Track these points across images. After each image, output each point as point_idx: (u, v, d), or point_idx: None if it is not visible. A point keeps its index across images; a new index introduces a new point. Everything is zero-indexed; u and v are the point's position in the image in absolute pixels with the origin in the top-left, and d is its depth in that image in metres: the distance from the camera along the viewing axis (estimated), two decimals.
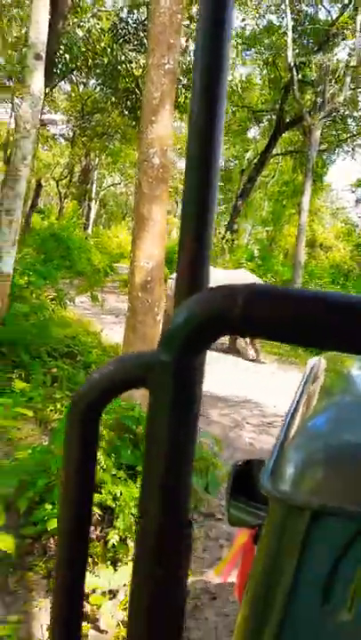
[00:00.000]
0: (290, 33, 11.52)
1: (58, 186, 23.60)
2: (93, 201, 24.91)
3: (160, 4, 3.18)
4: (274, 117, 18.80)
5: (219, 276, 9.36)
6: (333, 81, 11.51)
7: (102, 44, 10.47)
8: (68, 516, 0.50)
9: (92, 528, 3.35)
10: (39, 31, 5.06)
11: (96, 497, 3.07)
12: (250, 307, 0.42)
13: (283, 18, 15.44)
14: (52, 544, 3.49)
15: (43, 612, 2.90)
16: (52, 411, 5.21)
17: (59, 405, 5.24)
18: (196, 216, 0.52)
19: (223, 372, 7.80)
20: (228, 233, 18.48)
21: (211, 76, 0.50)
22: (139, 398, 3.92)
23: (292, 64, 11.30)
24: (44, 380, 5.89)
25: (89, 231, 25.73)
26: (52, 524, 3.32)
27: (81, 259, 16.87)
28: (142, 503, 0.46)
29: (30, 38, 5.13)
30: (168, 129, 3.55)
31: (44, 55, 5.18)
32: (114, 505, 3.07)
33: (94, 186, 25.44)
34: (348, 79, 10.95)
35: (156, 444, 0.45)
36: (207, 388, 6.95)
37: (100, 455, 3.08)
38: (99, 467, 3.17)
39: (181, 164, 27.58)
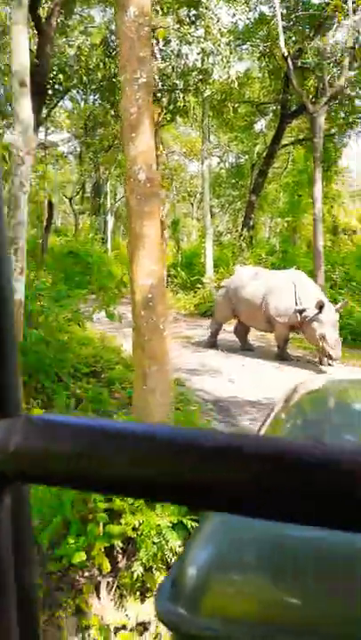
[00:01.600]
0: (280, 22, 11.30)
1: (71, 203, 23.84)
2: (109, 214, 25.08)
3: (124, 18, 3.11)
4: (279, 108, 18.53)
5: (268, 278, 9.04)
6: (332, 65, 11.23)
7: (95, 60, 10.49)
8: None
9: (118, 559, 3.28)
10: (21, 58, 5.06)
11: (115, 529, 3.00)
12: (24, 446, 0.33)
13: (274, 8, 15.21)
14: (79, 578, 3.43)
15: None
16: None
17: None
18: None
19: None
20: (245, 230, 18.26)
21: None
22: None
23: (286, 53, 11.08)
24: (67, 403, 5.87)
25: (108, 245, 25.94)
26: (78, 557, 3.26)
27: (102, 273, 16.98)
28: None
29: (13, 66, 5.14)
30: (150, 143, 3.47)
31: (28, 81, 5.17)
32: (135, 535, 3.00)
33: (108, 199, 25.62)
34: (346, 61, 10.65)
35: None
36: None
37: None
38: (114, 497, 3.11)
39: (192, 167, 27.53)
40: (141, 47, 3.17)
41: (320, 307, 7.78)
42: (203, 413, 5.69)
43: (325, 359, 7.99)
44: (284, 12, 16.01)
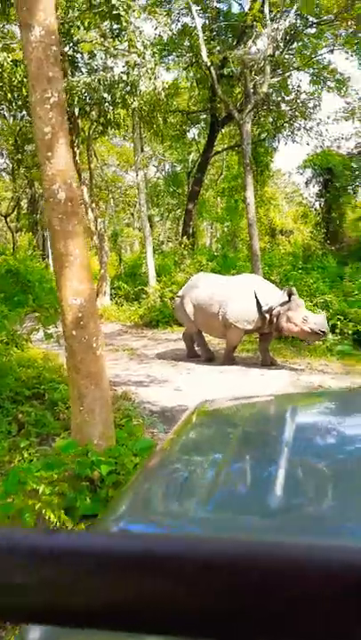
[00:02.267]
0: (200, 33, 11.54)
1: (7, 221, 23.31)
2: (47, 229, 24.58)
3: (30, 38, 3.07)
4: (209, 117, 18.87)
5: (225, 285, 8.84)
6: (254, 73, 11.54)
7: (18, 76, 10.34)
8: None
9: None
10: None
11: None
12: None
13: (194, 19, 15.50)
14: None
15: None
16: (19, 461, 5.02)
17: (26, 454, 5.05)
18: None
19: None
20: (185, 237, 18.43)
21: None
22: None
23: (209, 62, 11.29)
24: (8, 429, 5.69)
25: (50, 260, 25.49)
26: None
27: (44, 290, 16.65)
28: None
29: None
30: (68, 161, 3.43)
31: None
32: None
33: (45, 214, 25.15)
34: (267, 68, 10.97)
35: None
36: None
37: (53, 516, 2.92)
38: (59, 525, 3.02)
39: (130, 178, 27.53)
40: (50, 67, 3.14)
41: (290, 294, 7.85)
42: (148, 427, 5.66)
43: (312, 341, 8.21)
44: (206, 22, 16.39)
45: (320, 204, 21.31)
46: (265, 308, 8.02)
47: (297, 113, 17.64)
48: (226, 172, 27.81)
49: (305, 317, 7.73)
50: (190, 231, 19.08)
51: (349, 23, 13.68)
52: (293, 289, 8.12)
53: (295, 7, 11.48)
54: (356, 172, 19.33)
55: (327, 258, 15.57)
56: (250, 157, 11.52)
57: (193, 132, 23.52)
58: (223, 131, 20.24)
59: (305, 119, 18.17)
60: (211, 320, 8.65)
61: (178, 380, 8.09)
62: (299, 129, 19.04)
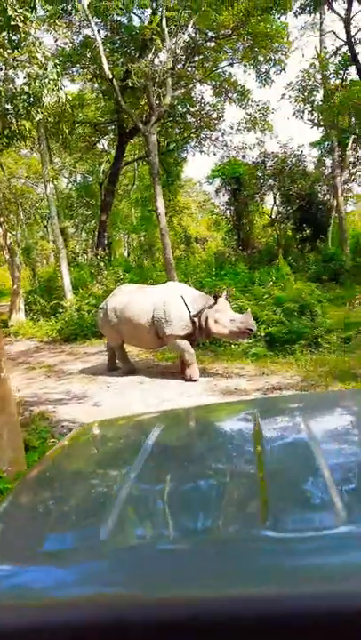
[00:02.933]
0: (100, 46, 11.55)
1: None
2: None
3: None
4: (117, 128, 18.90)
5: (151, 295, 8.57)
6: (157, 85, 11.71)
7: None
8: None
9: None
10: None
11: None
12: None
13: (98, 31, 15.52)
14: None
15: None
16: None
17: None
18: None
19: None
20: (100, 249, 18.28)
21: None
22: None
23: (110, 75, 11.33)
24: None
25: None
26: None
27: None
28: None
29: None
30: None
31: None
32: None
33: None
34: (169, 81, 11.17)
35: None
36: None
37: None
38: None
39: (41, 190, 26.89)
40: None
41: (216, 297, 7.92)
42: None
43: (243, 339, 8.23)
44: (108, 34, 16.44)
45: (230, 212, 21.99)
46: (193, 312, 8.02)
47: (202, 124, 18.10)
48: (138, 183, 27.99)
49: (232, 318, 7.81)
50: (105, 242, 18.96)
51: (245, 38, 14.26)
52: (220, 292, 8.27)
53: (192, 22, 11.83)
54: (261, 181, 20.12)
55: (239, 264, 16.07)
56: (158, 168, 11.65)
57: (103, 144, 23.48)
58: (133, 141, 20.37)
59: (210, 130, 18.70)
60: (138, 331, 8.47)
61: (97, 396, 7.97)
62: (205, 139, 19.56)
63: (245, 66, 16.18)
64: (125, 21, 16.14)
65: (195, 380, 8.02)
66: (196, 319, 8.01)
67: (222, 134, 19.07)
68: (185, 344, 8.18)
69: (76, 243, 32.19)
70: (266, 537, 0.81)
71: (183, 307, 8.11)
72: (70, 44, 15.28)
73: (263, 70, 16.31)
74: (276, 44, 14.82)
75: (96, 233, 26.22)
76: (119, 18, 15.83)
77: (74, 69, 17.63)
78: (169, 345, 8.44)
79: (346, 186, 21.51)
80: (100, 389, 8.34)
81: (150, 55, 11.99)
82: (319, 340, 9.30)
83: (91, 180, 26.51)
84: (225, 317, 7.81)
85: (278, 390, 7.11)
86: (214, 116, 17.91)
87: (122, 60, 15.66)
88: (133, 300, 8.61)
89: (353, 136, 18.11)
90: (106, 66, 11.13)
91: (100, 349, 12.13)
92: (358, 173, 21.80)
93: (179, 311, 8.10)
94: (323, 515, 0.88)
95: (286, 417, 1.53)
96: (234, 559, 0.76)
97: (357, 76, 13.85)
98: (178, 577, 0.74)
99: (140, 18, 16.07)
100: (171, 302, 8.18)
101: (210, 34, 15.10)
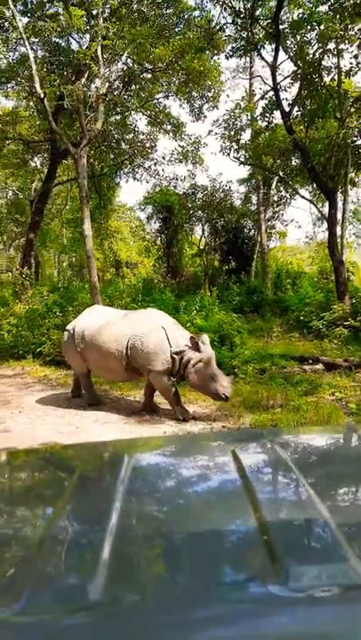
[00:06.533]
0: (33, 65, 11.50)
1: None
2: None
3: None
4: (49, 147, 18.74)
5: (128, 320, 7.53)
6: (90, 110, 11.78)
7: None
8: None
9: None
10: None
11: None
12: None
13: (35, 50, 15.48)
14: None
15: None
16: None
17: None
18: None
19: None
20: (26, 267, 17.82)
21: None
22: None
23: (42, 94, 11.28)
24: None
25: None
26: None
27: None
28: None
29: None
30: None
31: None
32: None
33: None
34: (101, 107, 11.29)
35: None
36: None
37: None
38: None
39: None
40: None
41: (196, 344, 6.91)
42: None
43: (218, 398, 6.97)
44: (46, 55, 16.42)
45: (161, 240, 22.28)
46: (174, 348, 7.02)
47: (136, 151, 18.37)
48: (71, 203, 27.77)
49: (214, 375, 6.84)
50: (32, 261, 18.53)
51: (180, 73, 14.74)
52: (205, 337, 7.25)
53: (127, 52, 12.09)
54: (191, 211, 20.61)
55: (166, 291, 16.25)
56: (86, 191, 11.63)
57: (36, 162, 23.18)
58: (67, 162, 20.26)
59: (143, 158, 19.01)
60: (107, 361, 7.47)
61: (8, 421, 7.65)
62: (139, 167, 19.84)
63: (180, 99, 16.69)
64: (64, 44, 16.21)
65: (185, 420, 7.06)
66: (176, 357, 7.02)
67: (155, 163, 19.45)
68: (165, 381, 7.17)
69: (3, 260, 31.29)
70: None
71: (164, 339, 7.11)
72: (5, 60, 15.10)
73: (197, 105, 16.90)
74: (210, 82, 15.43)
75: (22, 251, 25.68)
76: (58, 40, 15.88)
77: (8, 85, 17.42)
78: (154, 381, 7.32)
79: (270, 223, 22.50)
80: (12, 414, 8.02)
81: (84, 80, 12.06)
82: (236, 370, 9.51)
83: (21, 196, 26.00)
84: (207, 371, 6.84)
85: (193, 420, 7.14)
86: (148, 145, 18.26)
87: (58, 81, 15.66)
88: (106, 326, 7.59)
89: (277, 177, 19.03)
90: (38, 85, 11.08)
91: (17, 372, 11.73)
92: (281, 212, 22.89)
93: (159, 344, 7.10)
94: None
95: (266, 451, 1.48)
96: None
97: (281, 120, 14.64)
98: None
99: (79, 43, 16.20)
100: (151, 333, 7.20)
101: (147, 65, 15.47)
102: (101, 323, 7.69)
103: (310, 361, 10.55)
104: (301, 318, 14.87)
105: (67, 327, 8.42)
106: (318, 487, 1.12)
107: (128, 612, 0.72)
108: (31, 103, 18.19)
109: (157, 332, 7.18)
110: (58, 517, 1.04)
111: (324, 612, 0.69)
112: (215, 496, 1.17)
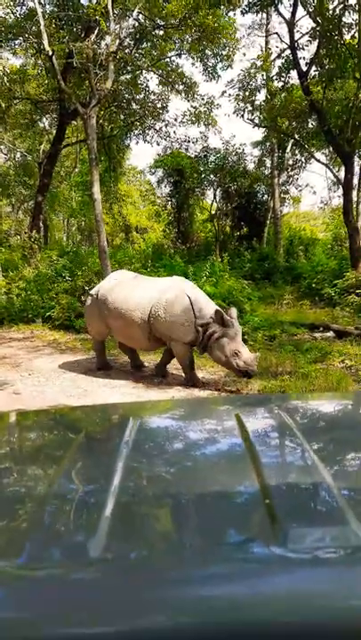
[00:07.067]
0: (41, 20, 11.11)
1: None
2: None
3: None
4: (58, 107, 18.31)
5: (152, 287, 7.33)
6: (100, 68, 11.42)
7: None
8: None
9: None
10: None
11: None
12: None
13: (44, 5, 14.96)
14: None
15: None
16: None
17: None
18: None
19: None
20: (35, 231, 17.70)
21: None
22: None
23: (51, 52, 10.93)
24: None
25: None
26: None
27: None
28: None
29: None
30: None
31: None
32: None
33: None
34: (111, 65, 10.92)
35: None
36: None
37: None
38: None
39: None
40: None
41: (221, 318, 6.63)
42: None
43: (242, 375, 6.74)
44: (55, 10, 15.86)
45: (171, 204, 21.96)
46: (200, 319, 6.81)
47: (146, 112, 17.91)
48: (80, 166, 27.34)
49: (238, 351, 6.59)
50: (41, 225, 18.40)
51: (193, 30, 14.19)
52: (234, 311, 6.99)
53: (139, 7, 11.62)
54: (203, 175, 20.21)
55: (176, 257, 16.10)
56: (95, 152, 11.38)
57: (44, 122, 22.73)
58: (76, 123, 19.84)
59: (154, 119, 18.54)
60: (130, 329, 7.25)
61: (17, 383, 7.72)
62: (149, 128, 19.38)
63: (193, 58, 16.13)
64: None
65: (195, 386, 7.03)
66: (200, 329, 6.80)
67: (166, 125, 18.95)
68: (186, 350, 7.06)
69: (11, 223, 31.08)
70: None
71: (189, 309, 6.89)
72: (12, 16, 14.61)
73: (210, 64, 16.33)
74: (224, 40, 14.87)
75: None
76: None
77: (16, 42, 16.91)
78: (175, 350, 7.18)
79: (283, 188, 22.04)
80: (21, 377, 8.09)
81: (94, 37, 11.66)
82: (246, 337, 9.46)
83: (30, 158, 25.59)
84: (231, 347, 6.60)
85: (201, 386, 7.15)
86: (159, 105, 17.78)
87: (67, 37, 15.16)
88: (130, 293, 7.35)
89: (292, 140, 18.53)
90: (46, 41, 10.73)
91: (26, 336, 11.79)
92: (296, 177, 22.40)
93: (183, 313, 6.89)
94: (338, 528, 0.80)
95: (271, 416, 1.48)
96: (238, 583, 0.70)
97: (298, 81, 14.14)
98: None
99: None
100: (175, 302, 6.96)
101: (158, 22, 14.91)
102: (126, 289, 7.43)
103: (321, 328, 10.47)
104: (313, 286, 14.72)
105: (90, 291, 8.16)
106: (322, 452, 1.13)
107: (131, 569, 0.74)
108: (39, 61, 17.67)
109: (182, 300, 6.94)
110: (61, 476, 1.05)
111: (323, 573, 0.71)
112: (218, 459, 1.18)
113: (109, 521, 0.82)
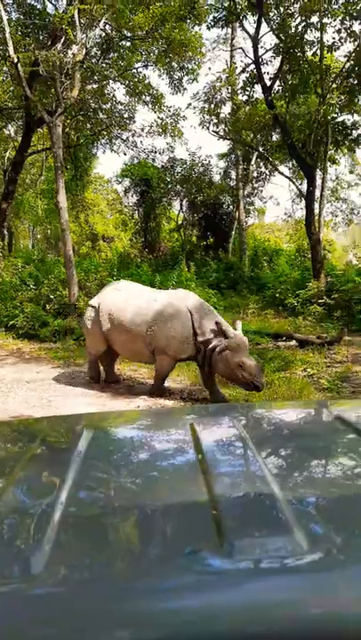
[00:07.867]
0: (6, 27, 11.04)
1: None
2: None
3: None
4: (24, 115, 18.14)
5: (155, 299, 7.03)
6: (66, 77, 11.41)
7: None
8: None
9: None
10: None
11: None
12: None
13: (8, 11, 14.87)
14: None
15: None
16: None
17: None
18: None
19: None
20: None
21: None
22: None
23: (16, 59, 10.86)
24: None
25: None
26: None
27: None
28: None
29: None
30: None
31: None
32: None
33: None
34: (77, 75, 10.92)
35: None
36: None
37: None
38: None
39: None
40: None
41: (220, 330, 6.44)
42: None
43: (249, 388, 6.39)
44: (21, 17, 15.78)
45: (138, 214, 22.00)
46: (200, 336, 6.65)
47: (113, 122, 17.96)
48: (46, 174, 27.13)
49: (241, 363, 6.27)
50: (4, 232, 18.13)
51: (160, 42, 14.35)
52: (239, 323, 6.80)
53: (105, 18, 11.67)
54: (170, 186, 20.35)
55: (143, 266, 16.12)
56: (61, 160, 11.33)
57: (10, 130, 22.47)
58: (42, 131, 19.69)
59: (121, 129, 18.60)
60: (133, 342, 7.00)
61: None
62: (116, 138, 19.42)
63: (160, 70, 16.28)
64: (39, 6, 15.60)
65: (160, 395, 6.96)
66: (201, 345, 6.66)
67: (133, 135, 19.05)
68: (170, 365, 6.99)
69: None
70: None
71: (189, 325, 6.71)
72: None
73: (176, 77, 16.52)
74: (190, 53, 15.07)
75: None
76: (33, 2, 15.28)
77: None
78: (159, 362, 7.00)
79: (248, 199, 22.39)
80: None
81: (60, 45, 11.64)
82: None
83: None
84: (235, 359, 6.28)
85: (167, 395, 7.17)
86: (126, 115, 17.85)
87: (33, 45, 15.09)
88: (132, 304, 7.07)
89: (256, 152, 18.88)
90: (11, 48, 10.66)
91: None
92: (260, 189, 22.79)
93: (182, 329, 6.70)
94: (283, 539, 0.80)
95: (225, 426, 1.47)
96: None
97: (262, 95, 14.45)
98: None
99: (55, 6, 15.60)
100: (175, 316, 6.77)
101: (125, 33, 15.01)
102: (130, 302, 7.11)
103: (284, 338, 10.65)
104: (277, 295, 14.96)
105: (91, 302, 7.73)
106: (272, 463, 1.14)
107: (76, 583, 0.73)
108: (5, 68, 17.53)
109: (182, 316, 6.75)
110: (9, 489, 1.02)
111: (267, 583, 0.71)
112: (169, 470, 1.18)
113: (55, 534, 0.81)
